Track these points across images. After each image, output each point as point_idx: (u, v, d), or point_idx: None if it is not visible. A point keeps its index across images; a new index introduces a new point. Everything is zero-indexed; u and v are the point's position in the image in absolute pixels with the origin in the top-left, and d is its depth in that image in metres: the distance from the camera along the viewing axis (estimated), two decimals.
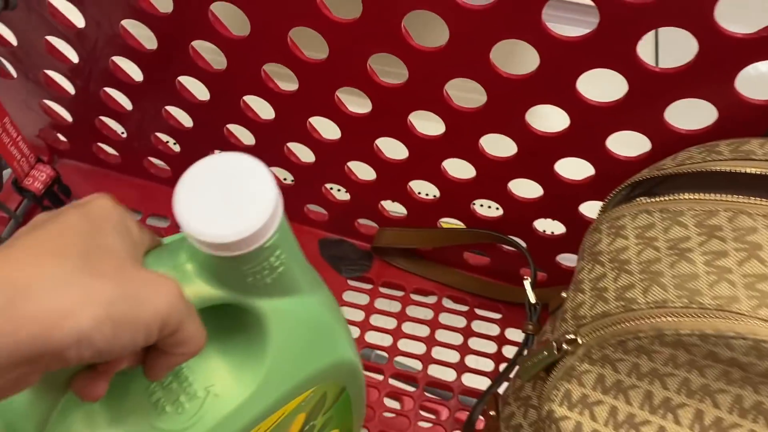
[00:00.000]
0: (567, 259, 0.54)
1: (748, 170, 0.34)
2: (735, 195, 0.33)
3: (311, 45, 0.45)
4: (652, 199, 0.35)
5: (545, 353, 0.35)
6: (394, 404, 0.55)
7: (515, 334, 0.57)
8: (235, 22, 0.46)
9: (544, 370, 0.36)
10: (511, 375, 0.51)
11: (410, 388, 0.55)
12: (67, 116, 0.61)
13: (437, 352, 0.56)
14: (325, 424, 0.39)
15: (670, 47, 0.78)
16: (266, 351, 0.30)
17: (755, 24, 0.34)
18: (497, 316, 0.58)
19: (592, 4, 0.35)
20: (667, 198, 0.35)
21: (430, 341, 0.57)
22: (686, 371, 0.32)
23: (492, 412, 0.44)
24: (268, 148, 0.54)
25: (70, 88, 0.57)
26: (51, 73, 0.56)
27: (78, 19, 0.49)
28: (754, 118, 0.37)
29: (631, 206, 0.36)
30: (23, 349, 0.20)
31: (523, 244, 0.54)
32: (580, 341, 0.33)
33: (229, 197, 0.24)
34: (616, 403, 0.34)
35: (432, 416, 0.54)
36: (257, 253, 0.26)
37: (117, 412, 0.29)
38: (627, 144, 0.43)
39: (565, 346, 0.34)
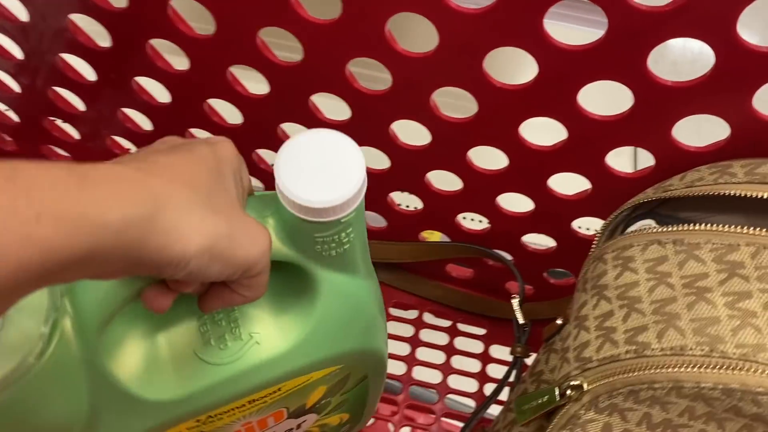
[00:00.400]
0: (555, 274, 0.51)
1: (767, 195, 0.31)
2: (757, 228, 0.30)
3: (286, 45, 0.41)
4: (664, 229, 0.32)
5: (546, 398, 0.32)
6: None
7: (500, 351, 0.54)
8: (201, 18, 0.41)
9: (544, 416, 0.32)
10: (500, 398, 0.48)
11: (391, 409, 0.51)
12: (14, 116, 0.55)
13: (418, 372, 0.53)
14: (338, 405, 0.40)
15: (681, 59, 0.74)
16: (312, 316, 0.32)
17: None
18: (481, 332, 0.55)
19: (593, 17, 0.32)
20: (680, 228, 0.31)
21: (411, 360, 0.53)
22: (703, 423, 0.29)
23: None
24: None
25: (15, 87, 0.51)
26: None
27: (21, 13, 0.44)
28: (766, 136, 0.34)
29: (640, 235, 0.33)
30: (142, 255, 0.23)
31: (510, 258, 0.50)
32: (585, 387, 0.30)
33: (323, 168, 0.27)
34: None
35: None
36: (333, 225, 0.28)
37: (168, 330, 0.32)
38: (626, 159, 0.40)
39: (569, 392, 0.31)
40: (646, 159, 0.39)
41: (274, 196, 0.29)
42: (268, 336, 0.32)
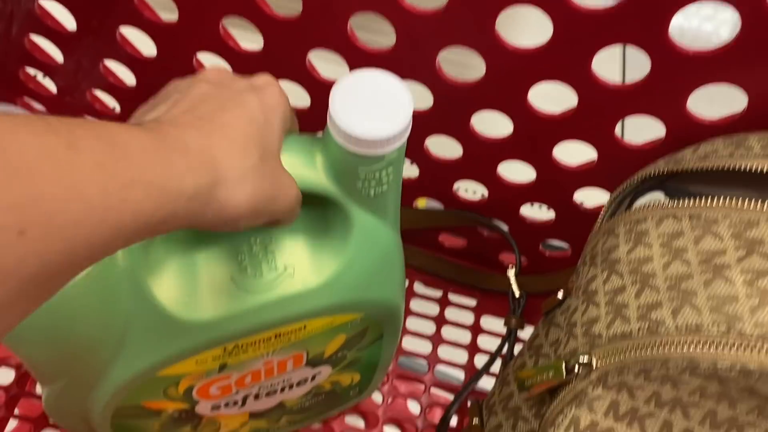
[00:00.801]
0: (551, 246, 0.50)
1: None
2: None
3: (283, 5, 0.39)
4: (679, 203, 0.31)
5: (551, 373, 0.31)
6: None
7: (491, 323, 0.53)
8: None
9: (548, 391, 0.31)
10: (492, 373, 0.48)
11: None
12: None
13: (408, 342, 0.52)
14: (353, 361, 0.41)
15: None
16: (344, 256, 0.34)
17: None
18: (472, 302, 0.54)
19: None
20: (697, 203, 0.30)
21: (402, 330, 0.52)
22: (714, 402, 0.28)
23: (475, 420, 0.40)
24: None
25: None
26: None
27: None
28: None
29: (654, 209, 0.31)
30: (202, 220, 0.25)
31: (506, 228, 0.49)
32: (594, 364, 0.29)
33: (374, 104, 0.29)
34: (629, 431, 0.30)
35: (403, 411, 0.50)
36: (377, 161, 0.30)
37: (207, 255, 0.33)
38: (637, 129, 0.39)
39: (577, 368, 0.30)
40: (633, 128, 0.37)
41: (320, 135, 0.31)
42: (301, 270, 0.34)
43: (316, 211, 0.34)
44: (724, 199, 0.29)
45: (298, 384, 0.41)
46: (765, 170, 0.30)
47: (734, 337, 0.26)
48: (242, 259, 0.34)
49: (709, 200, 0.30)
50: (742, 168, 0.31)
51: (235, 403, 0.40)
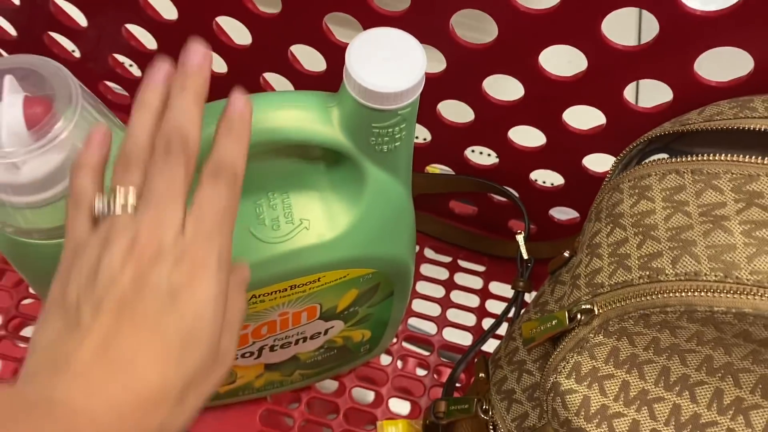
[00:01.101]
0: (560, 213, 0.51)
1: None
2: None
3: None
4: (682, 159, 0.32)
5: (554, 322, 0.32)
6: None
7: (499, 288, 0.54)
8: None
9: (551, 340, 0.33)
10: (501, 333, 0.49)
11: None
12: (11, 30, 0.54)
13: (417, 305, 0.53)
14: (363, 318, 0.43)
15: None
16: (357, 210, 0.35)
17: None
18: (481, 268, 0.55)
19: None
20: (699, 158, 0.31)
21: (411, 294, 0.53)
22: (710, 348, 0.29)
23: (482, 374, 0.42)
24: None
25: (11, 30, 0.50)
26: None
27: None
28: None
29: (658, 165, 0.32)
30: None
31: (516, 195, 0.50)
32: (596, 311, 0.30)
33: (389, 61, 0.30)
34: (628, 377, 0.31)
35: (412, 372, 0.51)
36: (390, 116, 0.31)
37: None
38: (646, 93, 0.40)
39: (579, 316, 0.31)
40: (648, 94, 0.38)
41: (335, 94, 0.32)
42: (316, 223, 0.35)
43: (331, 167, 0.35)
44: (726, 154, 0.31)
45: (312, 337, 0.42)
46: (764, 130, 0.31)
47: (731, 284, 0.27)
48: (260, 212, 0.35)
49: (711, 155, 0.31)
50: (746, 128, 0.32)
51: (251, 354, 0.42)
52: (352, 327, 0.43)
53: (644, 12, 0.34)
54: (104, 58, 0.53)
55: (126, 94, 0.58)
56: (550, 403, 0.32)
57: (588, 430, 0.31)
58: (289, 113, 0.32)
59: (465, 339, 0.52)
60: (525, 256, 0.48)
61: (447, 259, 0.56)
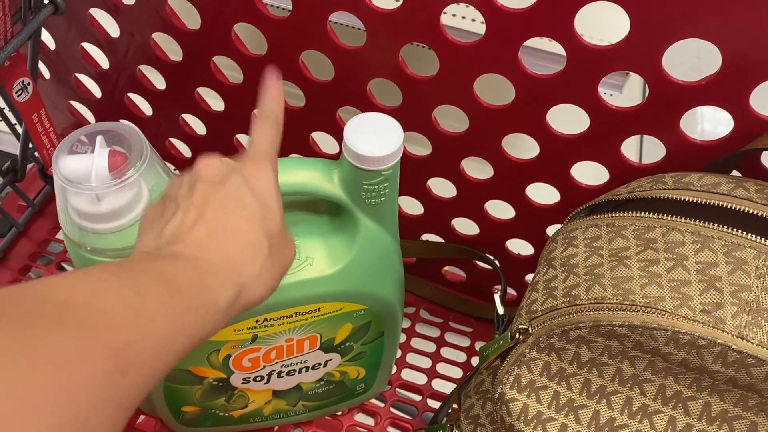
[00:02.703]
0: None
1: (685, 198, 0.40)
2: (670, 216, 0.38)
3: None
4: (602, 216, 0.41)
5: (501, 342, 0.40)
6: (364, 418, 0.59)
7: None
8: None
9: (500, 357, 0.40)
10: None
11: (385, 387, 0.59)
12: (91, 117, 0.67)
13: (411, 358, 0.61)
14: (358, 354, 0.51)
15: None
16: (351, 250, 0.44)
17: (702, 71, 0.40)
18: (469, 329, 0.63)
19: (560, 52, 0.42)
20: (614, 215, 0.40)
21: (406, 347, 0.61)
22: (619, 361, 0.37)
23: (454, 405, 0.49)
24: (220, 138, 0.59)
25: (97, 92, 0.62)
26: (81, 76, 0.62)
27: (114, 29, 0.55)
28: (696, 155, 0.43)
29: (584, 221, 0.41)
30: (230, 321, 0.30)
31: (496, 262, 0.59)
32: (530, 330, 0.38)
33: (374, 135, 0.40)
34: (558, 388, 0.38)
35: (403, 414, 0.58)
36: (376, 175, 0.40)
37: None
38: (589, 174, 0.49)
39: (518, 335, 0.39)
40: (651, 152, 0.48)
41: (337, 161, 0.42)
42: (318, 260, 0.44)
43: (332, 216, 0.45)
44: (631, 212, 0.39)
45: (313, 368, 0.50)
46: (668, 197, 0.40)
47: (627, 305, 0.35)
48: None
49: (621, 212, 0.40)
50: (655, 197, 0.41)
51: (262, 378, 0.50)
52: (349, 362, 0.51)
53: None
54: (162, 142, 0.65)
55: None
56: (499, 411, 0.40)
57: None
58: (304, 173, 0.42)
59: (451, 389, 0.59)
60: (501, 312, 0.55)
61: (439, 320, 0.64)
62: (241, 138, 0.61)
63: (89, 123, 0.67)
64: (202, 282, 0.27)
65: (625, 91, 0.64)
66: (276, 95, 0.37)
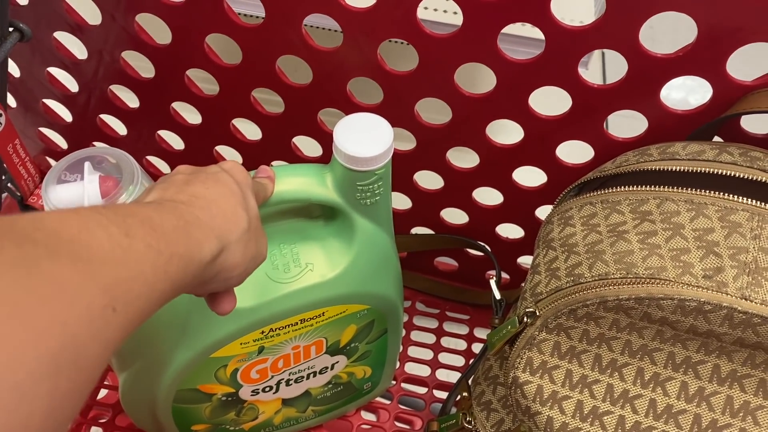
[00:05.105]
0: (526, 262, 0.60)
1: (673, 168, 0.41)
2: (662, 186, 0.39)
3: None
4: (595, 193, 0.41)
5: (509, 327, 0.40)
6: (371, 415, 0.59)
7: (483, 332, 0.63)
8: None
9: (508, 343, 0.41)
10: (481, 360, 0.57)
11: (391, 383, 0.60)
12: (62, 142, 0.65)
13: (412, 351, 0.61)
14: (363, 354, 0.51)
15: (616, 65, 0.85)
16: (350, 253, 0.44)
17: (675, 44, 0.41)
18: (466, 317, 0.64)
19: (535, 36, 0.42)
20: (607, 191, 0.41)
21: (407, 341, 0.62)
22: (627, 334, 0.38)
23: (464, 394, 0.49)
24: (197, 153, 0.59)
25: (67, 116, 0.61)
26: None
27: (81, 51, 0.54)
28: (678, 125, 0.44)
29: (577, 200, 0.42)
30: (214, 279, 0.31)
31: (488, 248, 0.59)
32: (537, 313, 0.39)
33: (365, 135, 0.40)
34: (570, 366, 0.39)
35: (409, 410, 0.58)
36: (369, 176, 0.40)
37: None
38: (573, 153, 0.50)
39: (525, 319, 0.39)
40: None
41: (328, 165, 0.42)
42: (318, 266, 0.44)
43: (328, 221, 0.45)
44: (624, 186, 0.40)
45: (321, 372, 0.50)
46: (656, 169, 0.41)
47: (631, 278, 0.36)
48: (274, 259, 0.44)
49: (614, 188, 0.41)
50: (643, 169, 0.42)
51: (270, 388, 0.49)
52: (355, 363, 0.51)
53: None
54: (140, 160, 0.64)
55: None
56: (513, 395, 0.40)
57: (543, 412, 0.39)
58: (296, 180, 0.42)
59: (455, 378, 0.60)
60: (498, 297, 0.56)
61: (436, 311, 0.64)
62: (220, 150, 0.60)
63: (61, 148, 0.66)
64: (187, 230, 0.28)
65: (591, 67, 0.65)
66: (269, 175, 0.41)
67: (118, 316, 0.22)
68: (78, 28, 0.51)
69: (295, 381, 0.50)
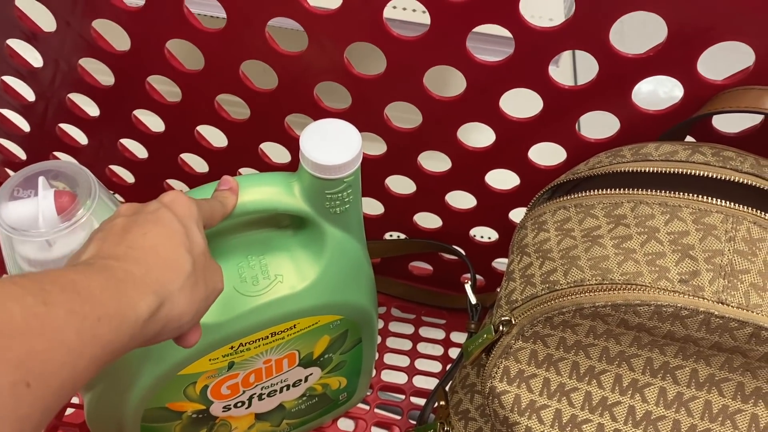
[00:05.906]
0: (501, 264, 0.60)
1: (646, 169, 0.40)
2: (635, 189, 0.39)
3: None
4: (568, 196, 0.41)
5: (485, 335, 0.40)
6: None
7: (459, 337, 0.62)
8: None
9: (485, 352, 0.40)
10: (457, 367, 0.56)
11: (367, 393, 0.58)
12: (21, 153, 0.63)
13: (388, 358, 0.60)
14: (337, 365, 0.50)
15: (587, 63, 0.86)
16: (321, 263, 0.43)
17: (645, 45, 0.41)
18: (442, 321, 0.63)
19: (507, 35, 0.41)
20: (580, 195, 0.40)
21: (382, 348, 0.60)
22: (604, 341, 0.37)
23: (441, 402, 0.48)
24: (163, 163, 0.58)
25: (24, 126, 0.59)
26: None
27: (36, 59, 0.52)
28: (650, 125, 0.43)
29: (551, 204, 0.41)
30: (158, 333, 0.30)
31: (463, 252, 0.59)
32: (513, 321, 0.38)
33: (332, 142, 0.38)
34: (548, 375, 0.38)
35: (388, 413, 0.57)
36: (338, 183, 0.39)
37: None
38: (546, 155, 0.49)
39: (501, 327, 0.38)
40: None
41: (295, 173, 0.40)
42: (288, 277, 0.43)
43: (297, 231, 0.43)
44: (598, 190, 0.39)
45: (294, 385, 0.49)
46: (630, 170, 0.40)
47: (607, 284, 0.35)
48: (242, 272, 0.43)
49: (587, 192, 0.40)
50: (616, 171, 0.41)
51: (243, 403, 0.48)
52: (329, 374, 0.50)
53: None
54: (102, 170, 0.62)
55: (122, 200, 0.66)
56: (491, 405, 0.39)
57: (521, 422, 0.38)
58: (262, 190, 0.40)
59: (433, 384, 0.59)
60: (473, 301, 0.55)
61: (411, 316, 0.63)
62: (185, 157, 0.58)
63: (19, 159, 0.63)
64: (118, 289, 0.27)
65: (561, 65, 0.65)
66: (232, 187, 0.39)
67: (34, 390, 0.22)
68: (32, 35, 0.49)
69: (268, 395, 0.49)
